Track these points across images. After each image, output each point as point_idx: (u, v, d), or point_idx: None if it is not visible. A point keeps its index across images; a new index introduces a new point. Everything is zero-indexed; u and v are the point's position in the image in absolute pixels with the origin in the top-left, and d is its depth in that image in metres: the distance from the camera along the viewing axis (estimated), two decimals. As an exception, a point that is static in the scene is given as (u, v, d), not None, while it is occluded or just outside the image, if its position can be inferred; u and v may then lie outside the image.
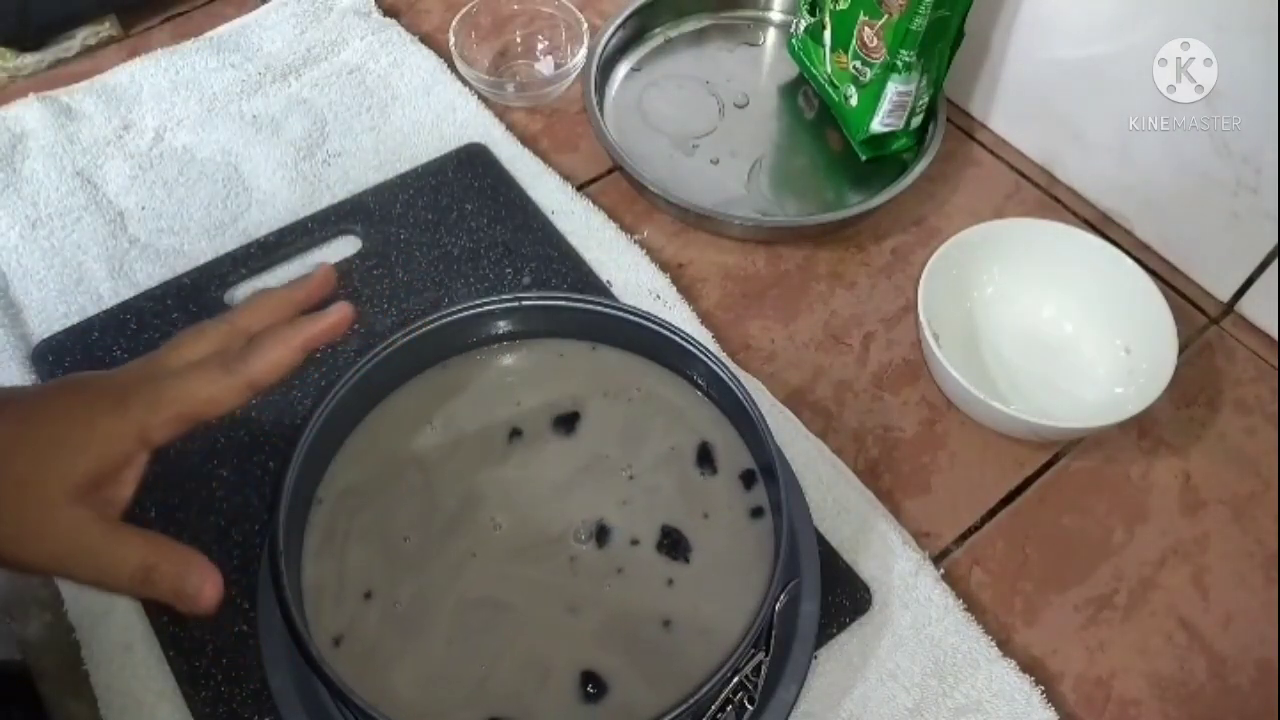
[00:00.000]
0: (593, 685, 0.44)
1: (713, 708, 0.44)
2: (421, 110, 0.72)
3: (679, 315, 0.61)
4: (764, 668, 0.45)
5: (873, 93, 0.66)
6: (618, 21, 0.74)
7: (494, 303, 0.53)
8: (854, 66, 0.67)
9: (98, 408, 0.37)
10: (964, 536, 0.55)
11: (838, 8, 0.67)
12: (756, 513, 0.49)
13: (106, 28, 0.76)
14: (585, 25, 0.74)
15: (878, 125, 0.67)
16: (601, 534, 0.48)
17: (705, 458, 0.51)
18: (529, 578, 0.47)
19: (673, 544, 0.48)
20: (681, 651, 0.45)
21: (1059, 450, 0.58)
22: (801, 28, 0.73)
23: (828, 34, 0.69)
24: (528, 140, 0.71)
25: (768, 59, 0.78)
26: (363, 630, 0.45)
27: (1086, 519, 0.56)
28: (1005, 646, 0.50)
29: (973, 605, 0.51)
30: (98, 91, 0.71)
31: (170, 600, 0.37)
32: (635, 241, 0.65)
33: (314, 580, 0.46)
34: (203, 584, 0.37)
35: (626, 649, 0.45)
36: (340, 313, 0.42)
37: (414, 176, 0.67)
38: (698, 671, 0.44)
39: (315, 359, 0.58)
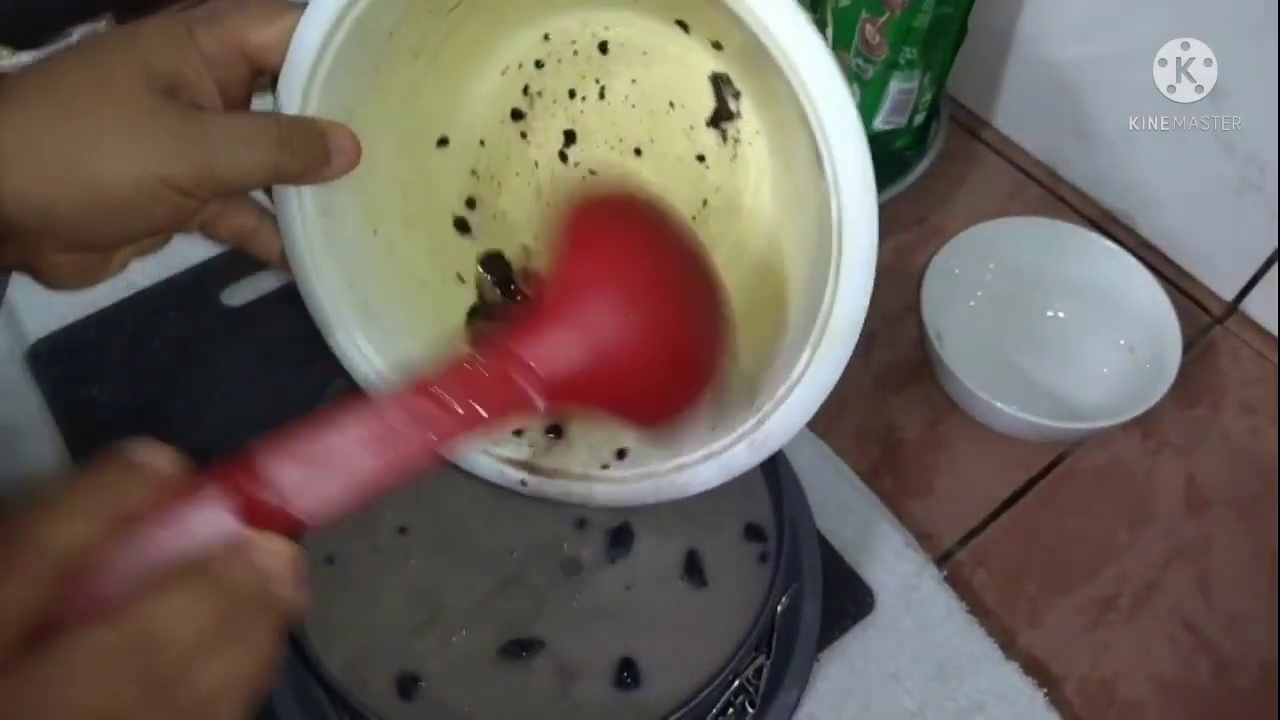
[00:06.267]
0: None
1: (713, 711, 0.44)
2: (420, 108, 0.71)
3: (679, 315, 0.61)
4: (765, 671, 0.45)
5: (875, 90, 0.65)
6: (618, 18, 0.74)
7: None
8: (856, 64, 0.66)
9: (143, 26, 0.35)
10: (967, 538, 0.54)
11: (839, 4, 0.66)
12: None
13: (103, 25, 0.76)
14: (585, 22, 0.73)
15: (880, 123, 0.67)
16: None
17: None
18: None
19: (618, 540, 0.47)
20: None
21: (1062, 451, 0.58)
22: (803, 25, 0.72)
23: (829, 31, 0.68)
24: (527, 138, 0.70)
25: (769, 56, 0.77)
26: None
27: (1090, 520, 0.55)
28: (1009, 649, 0.50)
29: (976, 607, 0.51)
30: (94, 89, 0.70)
31: (314, 167, 0.37)
32: (635, 240, 0.64)
33: None
34: (344, 138, 0.38)
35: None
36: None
37: (413, 175, 0.66)
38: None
39: (311, 358, 0.58)
